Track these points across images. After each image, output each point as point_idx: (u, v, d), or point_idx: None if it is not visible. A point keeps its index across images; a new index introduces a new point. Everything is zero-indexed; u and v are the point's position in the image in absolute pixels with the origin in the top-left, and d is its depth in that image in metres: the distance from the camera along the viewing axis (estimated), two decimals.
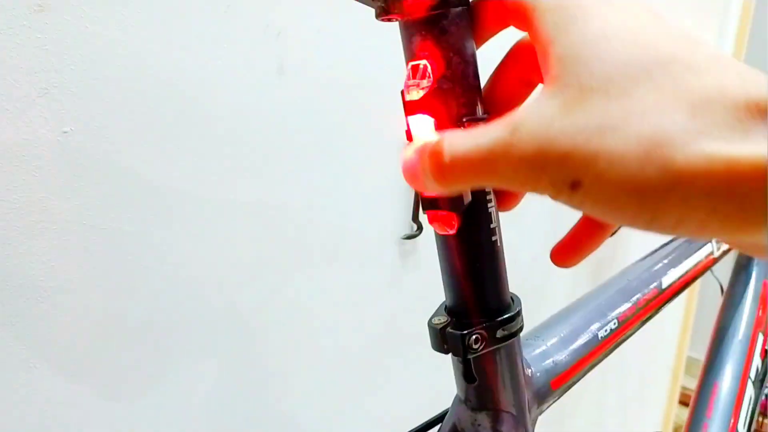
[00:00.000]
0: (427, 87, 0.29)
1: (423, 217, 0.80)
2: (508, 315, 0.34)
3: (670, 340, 1.98)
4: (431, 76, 0.29)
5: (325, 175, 0.66)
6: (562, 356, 0.42)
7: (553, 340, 0.43)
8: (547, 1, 0.24)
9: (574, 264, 0.34)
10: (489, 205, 0.33)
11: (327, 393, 0.74)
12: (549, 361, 0.42)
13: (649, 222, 0.20)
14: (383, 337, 0.81)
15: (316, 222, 0.67)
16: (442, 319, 0.35)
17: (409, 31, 0.30)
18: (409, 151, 0.27)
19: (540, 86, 0.24)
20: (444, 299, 0.37)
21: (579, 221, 0.34)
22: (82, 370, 0.50)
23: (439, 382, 0.93)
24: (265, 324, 0.64)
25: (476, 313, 0.34)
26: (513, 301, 0.36)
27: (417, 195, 0.80)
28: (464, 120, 0.30)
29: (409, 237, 0.80)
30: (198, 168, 0.54)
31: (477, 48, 0.31)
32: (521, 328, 0.36)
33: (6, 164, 0.43)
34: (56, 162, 0.45)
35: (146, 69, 0.49)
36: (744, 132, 0.18)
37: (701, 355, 0.92)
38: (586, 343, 0.44)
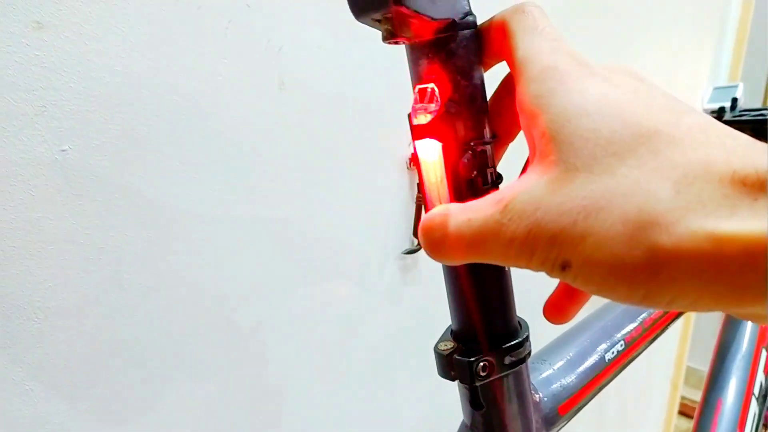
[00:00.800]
0: (434, 111, 0.29)
1: None
2: (516, 341, 0.34)
3: (670, 350, 1.98)
4: (439, 99, 0.29)
5: (326, 190, 0.66)
6: (569, 380, 0.42)
7: (560, 363, 0.43)
8: (534, 71, 0.24)
9: (569, 319, 0.33)
10: None
11: (328, 411, 0.73)
12: (556, 385, 0.41)
13: (641, 299, 0.19)
14: (384, 352, 0.80)
15: (317, 238, 0.66)
16: (449, 344, 0.35)
17: (416, 55, 0.29)
18: (422, 226, 0.27)
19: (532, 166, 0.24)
20: (449, 322, 0.37)
21: None
22: (79, 393, 0.49)
23: (441, 397, 0.92)
24: (264, 343, 0.64)
25: (484, 340, 0.34)
26: (520, 325, 0.35)
27: (418, 210, 0.80)
28: (472, 144, 0.29)
29: (410, 252, 0.80)
30: (198, 184, 0.54)
31: (484, 72, 0.30)
32: (529, 354, 0.35)
33: (3, 184, 0.42)
34: (54, 181, 0.45)
35: (145, 86, 0.48)
36: (731, 207, 0.17)
37: (700, 365, 0.92)
38: (593, 366, 0.44)
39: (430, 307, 0.83)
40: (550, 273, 0.21)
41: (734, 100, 1.01)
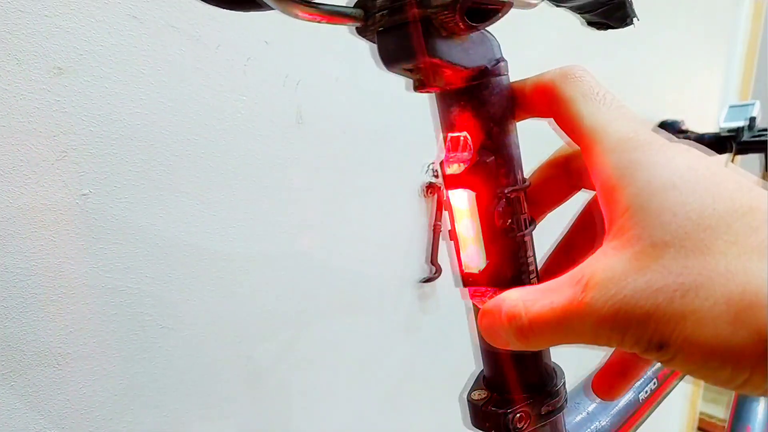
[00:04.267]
0: (467, 160, 0.28)
1: (440, 260, 0.79)
2: (552, 389, 0.33)
3: None
4: (471, 148, 0.28)
5: (344, 221, 0.65)
6: (603, 422, 0.40)
7: (593, 406, 0.41)
8: (610, 141, 0.23)
9: (619, 396, 0.32)
10: (531, 276, 0.31)
11: None
12: (591, 429, 0.40)
13: (742, 384, 0.18)
14: (403, 381, 0.79)
15: (335, 269, 0.66)
16: (482, 394, 0.34)
17: (447, 102, 0.29)
18: (487, 310, 0.26)
19: (607, 242, 0.22)
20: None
21: (554, 252, 0.32)
22: None
23: (461, 427, 0.90)
24: (283, 378, 0.63)
25: (518, 389, 0.32)
26: (555, 372, 0.34)
27: (435, 238, 0.79)
28: (506, 191, 0.29)
29: (428, 280, 0.79)
30: (217, 222, 0.53)
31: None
32: (566, 401, 0.34)
33: (24, 230, 0.42)
34: (75, 226, 0.44)
35: (165, 126, 0.48)
36: None
37: None
38: (627, 406, 0.42)
39: (448, 336, 0.82)
40: (645, 353, 0.20)
41: (752, 120, 1.00)
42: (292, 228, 0.60)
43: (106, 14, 0.43)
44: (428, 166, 0.74)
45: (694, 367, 0.19)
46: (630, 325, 0.19)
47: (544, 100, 0.27)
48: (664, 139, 0.22)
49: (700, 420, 2.20)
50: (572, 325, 0.21)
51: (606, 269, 0.20)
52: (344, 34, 0.58)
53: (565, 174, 0.30)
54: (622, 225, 0.21)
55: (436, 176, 0.75)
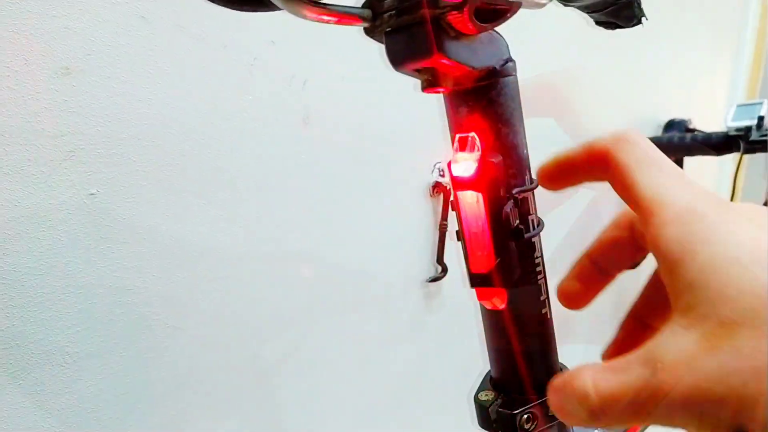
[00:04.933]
0: (476, 160, 0.28)
1: (447, 259, 0.79)
2: None
3: None
4: (480, 148, 0.28)
5: (350, 221, 0.65)
6: None
7: None
8: (666, 212, 0.22)
9: None
10: (539, 277, 0.31)
11: None
12: (598, 430, 0.39)
13: None
14: (409, 381, 0.79)
15: (342, 268, 0.65)
16: (490, 395, 0.34)
17: (455, 103, 0.29)
18: (557, 387, 0.25)
19: (671, 319, 0.22)
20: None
21: (627, 318, 0.30)
22: None
23: (467, 426, 0.90)
24: (289, 376, 0.63)
25: (526, 390, 0.32)
26: (563, 372, 0.34)
27: (441, 238, 0.79)
28: (514, 192, 0.29)
29: (434, 279, 0.79)
30: (223, 221, 0.53)
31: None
32: None
33: (32, 230, 0.42)
34: (82, 225, 0.44)
35: (172, 126, 0.48)
36: None
37: None
38: None
39: (453, 335, 0.82)
40: None
41: (760, 119, 1.00)
42: (298, 227, 0.60)
43: (113, 14, 0.43)
44: (435, 166, 0.74)
45: None
46: (704, 408, 0.19)
47: (599, 166, 0.26)
48: (726, 209, 0.21)
49: None
50: (645, 407, 0.20)
51: (676, 351, 0.20)
52: (351, 34, 0.58)
53: (631, 236, 0.29)
54: (688, 302, 0.20)
55: (443, 176, 0.75)
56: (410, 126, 0.69)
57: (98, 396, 0.47)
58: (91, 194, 0.44)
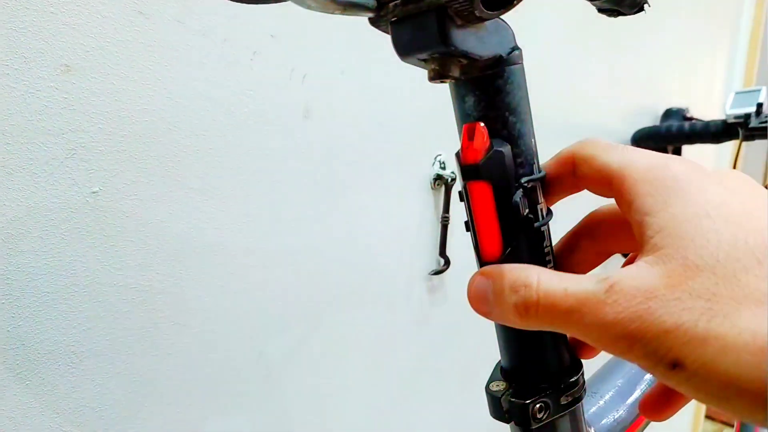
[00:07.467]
0: (483, 149, 0.28)
1: (450, 252, 0.79)
2: (572, 379, 0.32)
3: None
4: (488, 138, 0.28)
5: (352, 215, 0.65)
6: (621, 411, 0.40)
7: (610, 394, 0.41)
8: (639, 171, 0.23)
9: (668, 418, 0.31)
10: (549, 266, 0.31)
11: None
12: (609, 419, 0.39)
13: (763, 420, 0.18)
14: (414, 374, 0.79)
15: (345, 263, 0.65)
16: (501, 385, 0.33)
17: (462, 92, 0.28)
18: (487, 272, 0.26)
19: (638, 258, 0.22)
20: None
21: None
22: None
23: (473, 417, 0.91)
24: (294, 373, 0.63)
25: (538, 379, 0.32)
26: (573, 362, 0.34)
27: (443, 230, 0.79)
28: (523, 181, 0.28)
29: (437, 272, 0.79)
30: (226, 217, 0.53)
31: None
32: (585, 391, 0.34)
33: (35, 229, 0.42)
34: (86, 223, 0.44)
35: (173, 122, 0.48)
36: None
37: None
38: (643, 395, 0.42)
39: (458, 328, 0.82)
40: (652, 370, 0.20)
41: (759, 106, 1.00)
42: (300, 222, 0.59)
43: (112, 10, 0.43)
44: (436, 158, 0.74)
45: (707, 394, 0.19)
46: (644, 336, 0.19)
47: (569, 170, 0.27)
48: (694, 167, 0.23)
49: (707, 407, 2.21)
50: (581, 318, 0.21)
51: (636, 278, 0.20)
52: (351, 26, 0.58)
53: (591, 235, 0.31)
54: (655, 243, 0.21)
55: (444, 168, 0.75)
56: (411, 119, 0.68)
57: (106, 394, 0.47)
58: (94, 192, 0.44)
